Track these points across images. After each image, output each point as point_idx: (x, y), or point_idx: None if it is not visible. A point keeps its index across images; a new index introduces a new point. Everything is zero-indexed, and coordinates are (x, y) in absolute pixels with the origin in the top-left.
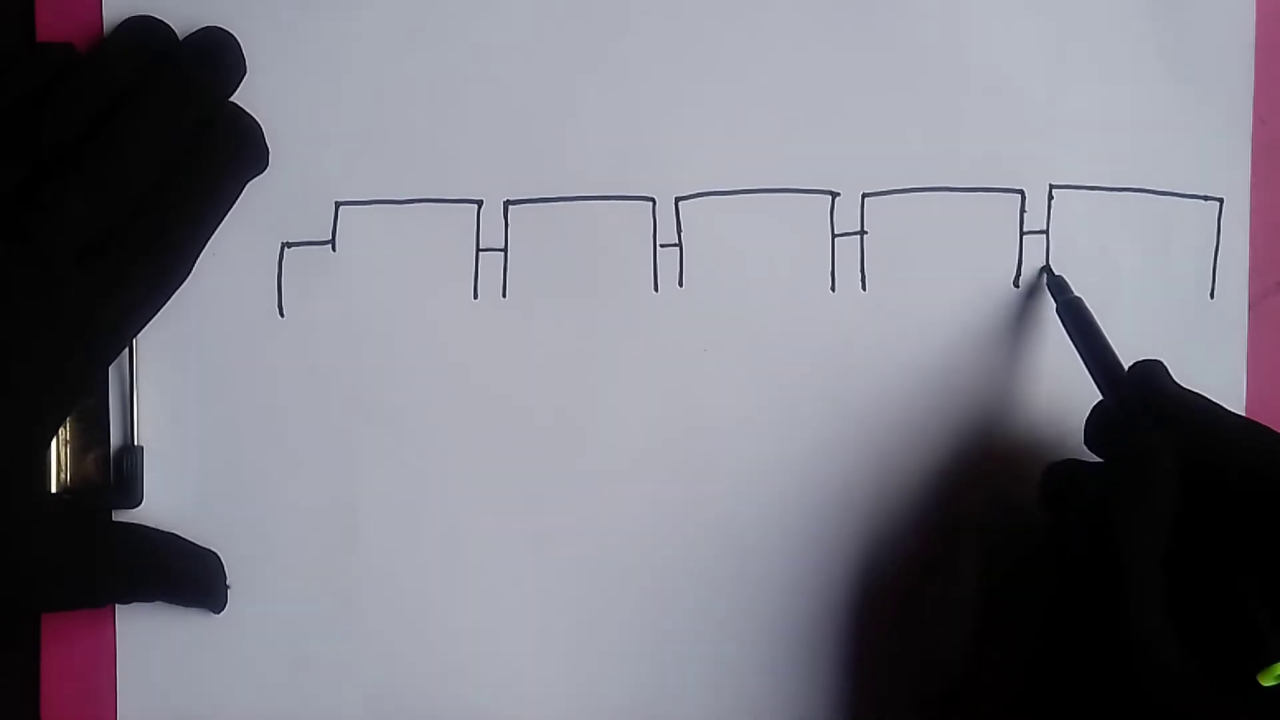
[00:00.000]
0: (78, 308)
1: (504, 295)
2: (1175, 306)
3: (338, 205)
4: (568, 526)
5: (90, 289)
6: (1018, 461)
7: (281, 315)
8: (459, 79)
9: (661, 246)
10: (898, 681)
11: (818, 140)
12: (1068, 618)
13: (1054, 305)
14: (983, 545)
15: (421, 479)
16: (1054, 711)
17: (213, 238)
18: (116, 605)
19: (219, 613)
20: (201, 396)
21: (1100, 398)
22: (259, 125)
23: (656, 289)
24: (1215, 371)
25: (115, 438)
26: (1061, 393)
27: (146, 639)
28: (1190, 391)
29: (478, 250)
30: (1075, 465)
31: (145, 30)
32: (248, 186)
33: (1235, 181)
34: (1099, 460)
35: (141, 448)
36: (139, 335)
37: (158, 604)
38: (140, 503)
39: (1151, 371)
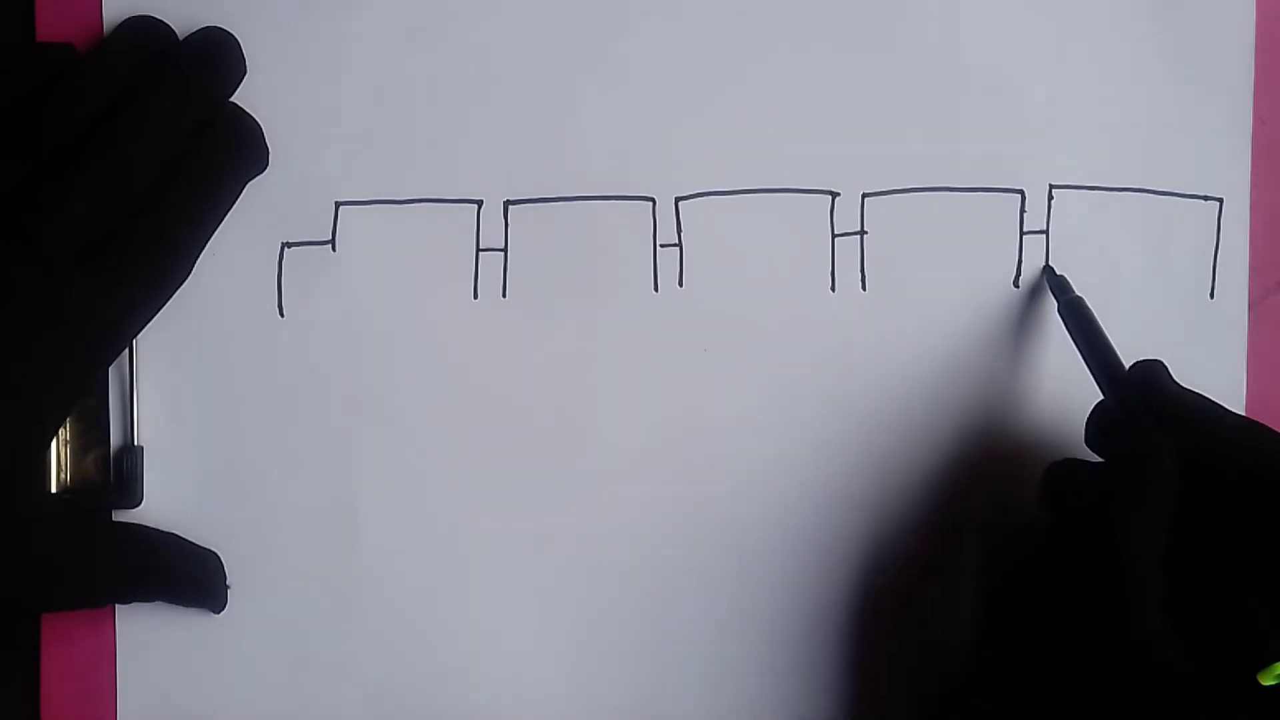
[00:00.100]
0: (78, 308)
1: (504, 295)
2: (1175, 306)
3: (338, 205)
4: (568, 526)
5: (90, 289)
6: (1018, 461)
7: (281, 315)
8: (459, 79)
9: (661, 246)
10: (898, 681)
11: (818, 140)
12: (1067, 617)
13: (1055, 305)
14: (983, 545)
15: (421, 479)
16: (1054, 711)
17: (213, 238)
18: (116, 605)
19: (219, 613)
20: (201, 396)
21: (1101, 397)
22: (259, 125)
23: (656, 289)
24: (1215, 371)
25: (115, 438)
26: (1062, 392)
27: (146, 639)
28: (1191, 391)
29: (478, 250)
30: (1076, 465)
31: (145, 30)
32: (248, 186)
33: (1235, 181)
34: (1100, 460)
35: (141, 448)
36: (139, 335)
37: (158, 604)
38: (140, 503)
39: (1152, 371)
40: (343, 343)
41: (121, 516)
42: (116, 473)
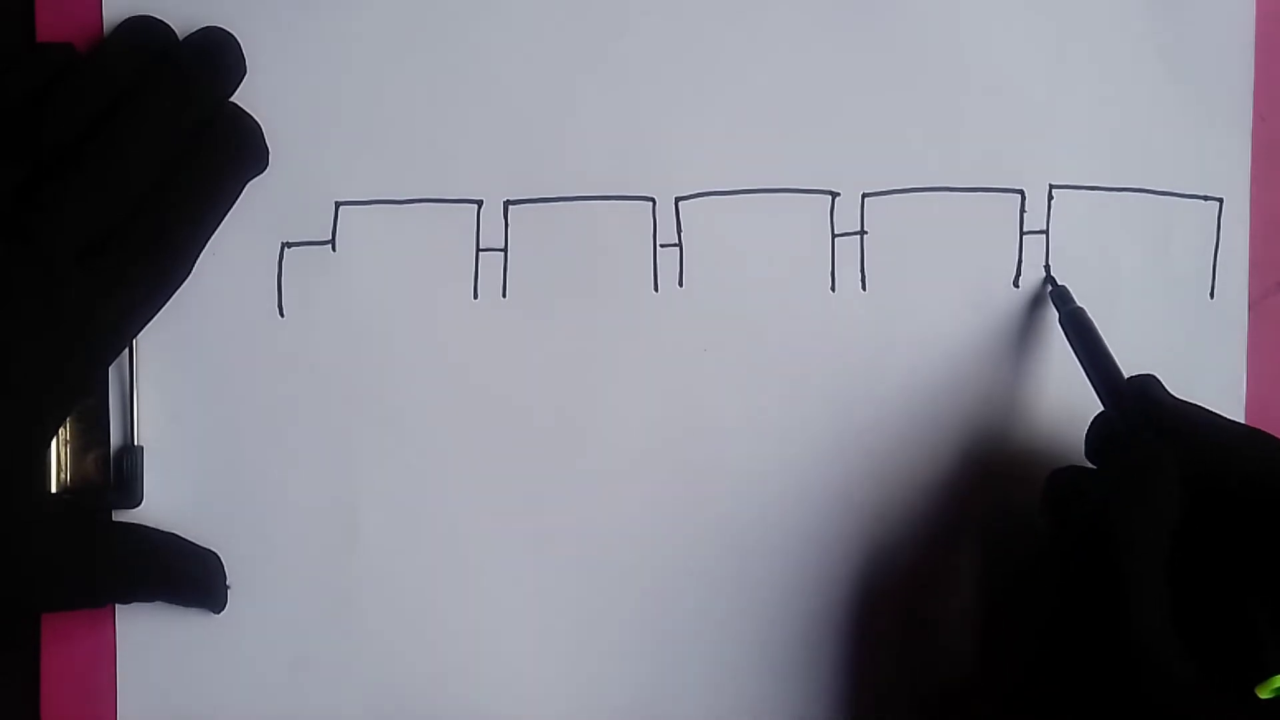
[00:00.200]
0: (78, 308)
1: (504, 295)
2: (1175, 306)
3: (338, 205)
4: (568, 526)
5: (90, 289)
6: (1018, 459)
7: (281, 315)
8: (459, 79)
9: (661, 246)
10: (898, 682)
11: (818, 140)
12: (1068, 622)
13: (1056, 304)
14: (983, 545)
15: (421, 479)
16: (1054, 715)
17: (213, 238)
18: (116, 605)
19: (219, 613)
20: (201, 396)
21: (1101, 408)
22: (259, 125)
23: (656, 289)
24: (1215, 371)
25: (115, 438)
26: (1062, 391)
27: (146, 639)
28: (1189, 403)
29: (478, 250)
30: (1078, 473)
31: (145, 30)
32: (248, 186)
33: (1235, 181)
34: (1101, 469)
35: (141, 448)
36: (139, 335)
37: (158, 604)
38: (140, 503)
39: (1149, 384)
40: (343, 343)
41: (121, 516)
42: (116, 473)
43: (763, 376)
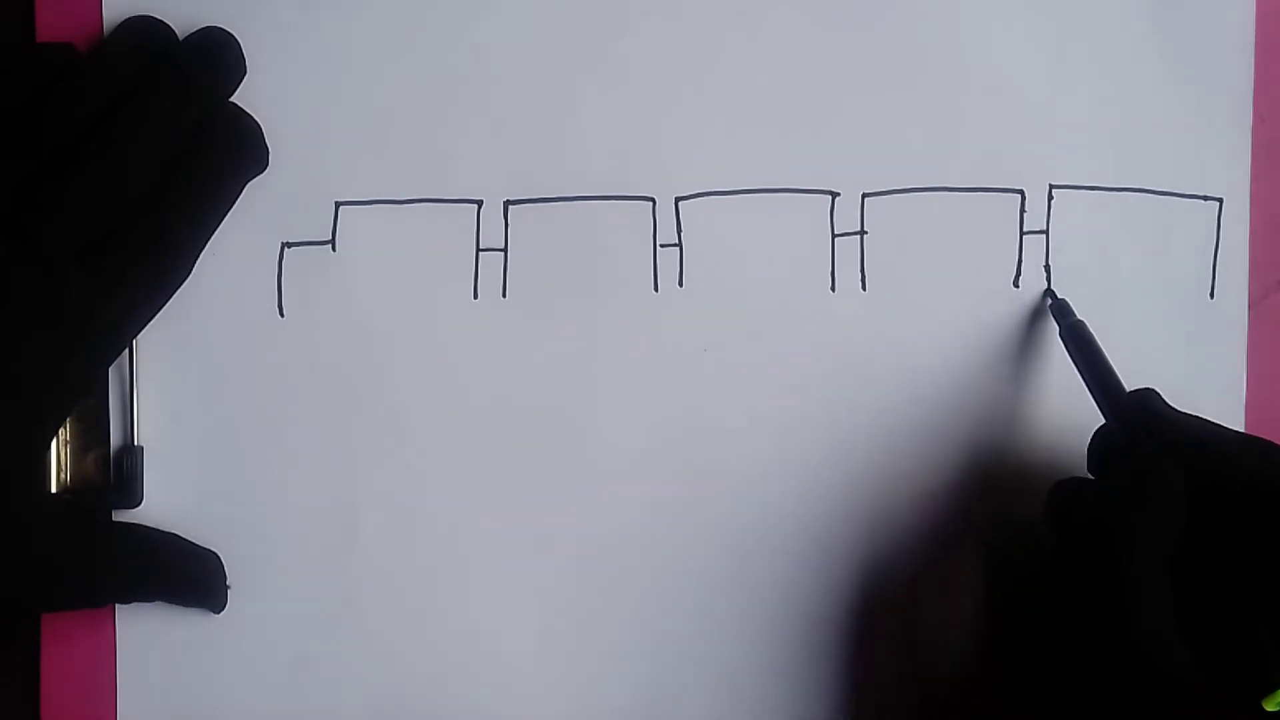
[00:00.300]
0: (78, 308)
1: (504, 295)
2: (1175, 306)
3: (338, 205)
4: (568, 526)
5: (90, 289)
6: (1018, 459)
7: (281, 315)
8: (459, 79)
9: (661, 246)
10: (898, 683)
11: (818, 140)
12: (1070, 630)
13: (1057, 317)
14: (983, 547)
15: (421, 479)
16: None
17: (213, 238)
18: (116, 605)
19: (219, 613)
20: (201, 396)
21: (1102, 421)
22: (259, 125)
23: (656, 289)
24: (1215, 371)
25: (115, 438)
26: (1061, 391)
27: (146, 639)
28: (1190, 415)
29: (478, 250)
30: (1081, 484)
31: (145, 30)
32: (248, 186)
33: (1235, 181)
34: (1100, 478)
35: (141, 448)
36: (139, 335)
37: (158, 604)
38: (140, 503)
39: (1149, 397)
40: (343, 343)
41: (121, 516)
42: (116, 473)
43: (763, 376)
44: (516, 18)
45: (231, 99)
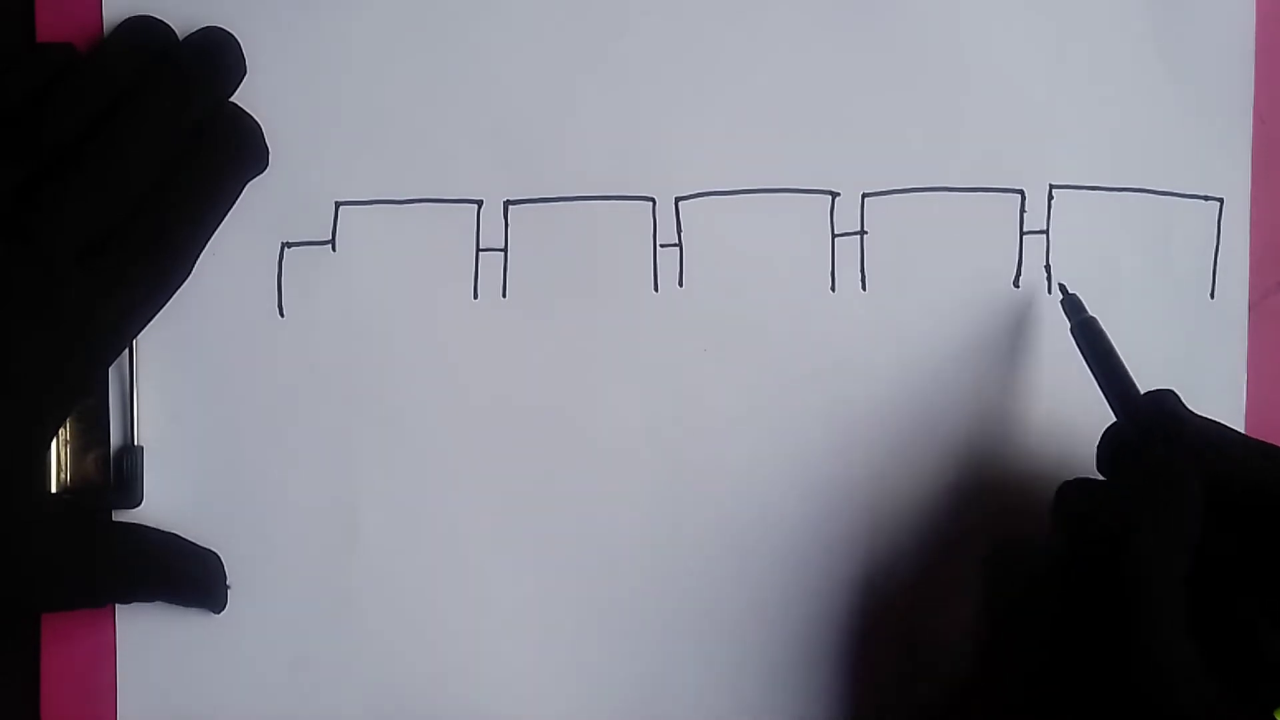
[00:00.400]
0: (78, 308)
1: (504, 295)
2: (1175, 306)
3: (338, 205)
4: (568, 526)
5: (90, 289)
6: (1018, 459)
7: (281, 315)
8: (459, 79)
9: (661, 246)
10: (898, 683)
11: (818, 140)
12: (1076, 634)
13: (1055, 305)
14: (984, 547)
15: (421, 479)
16: None
17: (213, 238)
18: (116, 605)
19: (219, 613)
20: (201, 396)
21: (1112, 419)
22: (259, 125)
23: (656, 289)
24: (1215, 371)
25: (115, 438)
26: (1062, 391)
27: (146, 639)
28: (1208, 419)
29: (478, 250)
30: (1091, 486)
31: (145, 30)
32: (248, 186)
33: (1235, 181)
34: (1111, 479)
35: (141, 448)
36: (139, 335)
37: (158, 604)
38: (140, 503)
39: (1167, 398)
40: (343, 343)
41: (121, 516)
42: (116, 473)
43: (763, 376)
44: (516, 18)
45: (231, 99)
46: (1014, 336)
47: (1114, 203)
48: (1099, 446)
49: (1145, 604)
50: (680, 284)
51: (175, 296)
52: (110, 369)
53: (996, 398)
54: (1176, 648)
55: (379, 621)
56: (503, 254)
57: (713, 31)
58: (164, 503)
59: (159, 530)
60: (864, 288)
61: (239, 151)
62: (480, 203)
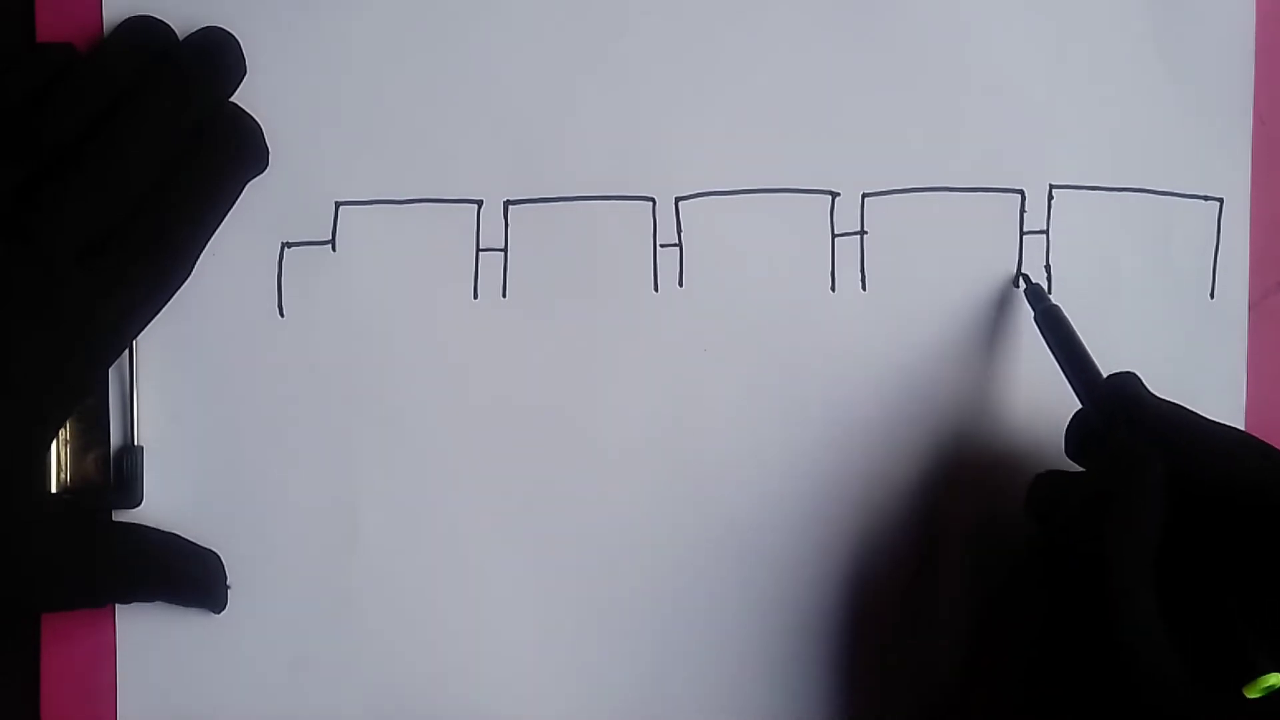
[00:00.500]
0: (78, 308)
1: (504, 295)
2: (1175, 306)
3: (338, 205)
4: (568, 526)
5: (90, 289)
6: (1020, 459)
7: (281, 315)
8: (459, 79)
9: (661, 246)
10: (897, 682)
11: (818, 140)
12: (1061, 627)
13: (1031, 302)
14: (985, 546)
15: (421, 479)
16: (1051, 717)
17: (213, 238)
18: (116, 605)
19: (219, 613)
20: (201, 396)
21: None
22: (259, 125)
23: (656, 289)
24: (1215, 371)
25: (115, 438)
26: (1063, 390)
27: (146, 639)
28: (1169, 402)
29: (478, 250)
30: (1062, 477)
31: (145, 30)
32: (248, 186)
33: (1235, 181)
34: (1083, 469)
35: (141, 448)
36: (139, 335)
37: (158, 604)
38: (140, 503)
39: (1128, 381)
40: (343, 343)
41: (121, 516)
42: (116, 473)
43: (762, 376)
44: (516, 18)
45: (231, 99)
46: (1014, 337)
47: (1114, 203)
48: (1066, 433)
49: (1113, 586)
50: (680, 284)
51: (175, 296)
52: (110, 369)
53: (997, 397)
54: (1146, 629)
55: (379, 621)
56: (503, 254)
57: (713, 31)
58: (164, 503)
59: (159, 530)
60: (864, 288)
61: (239, 151)
62: (480, 203)
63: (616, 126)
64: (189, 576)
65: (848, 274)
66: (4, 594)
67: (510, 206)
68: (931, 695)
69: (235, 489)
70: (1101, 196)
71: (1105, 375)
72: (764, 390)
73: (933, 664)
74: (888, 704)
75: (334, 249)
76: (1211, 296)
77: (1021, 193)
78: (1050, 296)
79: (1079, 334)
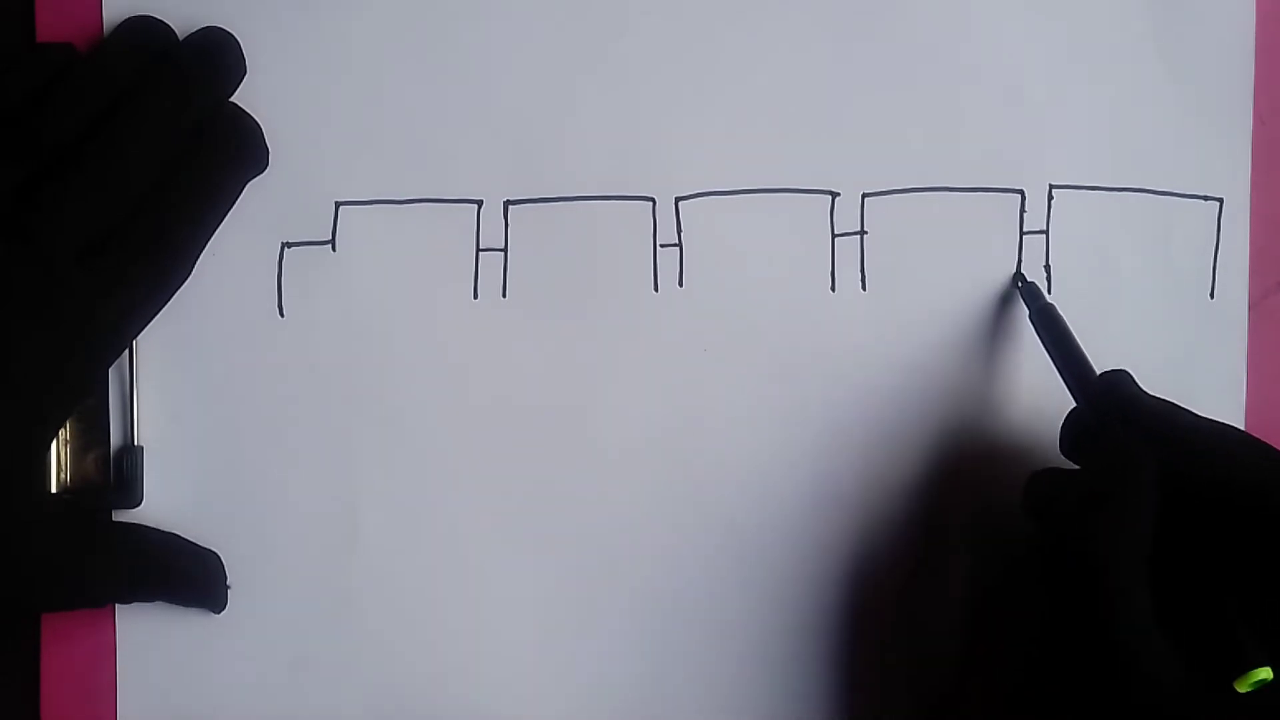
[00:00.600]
0: (78, 308)
1: (504, 295)
2: (1175, 306)
3: (338, 205)
4: (568, 526)
5: (90, 289)
6: (1020, 461)
7: (281, 315)
8: (459, 79)
9: (661, 246)
10: (896, 682)
11: (818, 140)
12: (1058, 624)
13: (1027, 301)
14: (985, 546)
15: (421, 479)
16: (1048, 715)
17: (213, 238)
18: (116, 605)
19: (219, 613)
20: (201, 396)
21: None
22: (259, 125)
23: (656, 289)
24: (1215, 371)
25: (115, 438)
26: (1062, 390)
27: (146, 639)
28: (1161, 399)
29: (478, 250)
30: (1057, 474)
31: (145, 30)
32: (248, 186)
33: (1235, 181)
34: (1078, 468)
35: (141, 448)
36: (139, 335)
37: (158, 604)
38: (140, 503)
39: (1121, 380)
40: (343, 343)
41: (121, 516)
42: (116, 473)
43: (762, 376)
44: (516, 18)
45: (231, 99)
46: (1014, 337)
47: (1114, 203)
48: (1061, 431)
49: (1108, 584)
50: (680, 284)
51: (175, 296)
52: (110, 369)
53: (996, 396)
54: (1142, 626)
55: (379, 621)
56: (503, 254)
57: (713, 31)
58: (164, 503)
59: (159, 530)
60: (864, 288)
61: (239, 151)
62: (480, 203)
63: (616, 126)
64: (189, 576)
65: (848, 274)
66: (4, 594)
67: (510, 206)
68: (930, 694)
69: (235, 489)
70: (1101, 196)
71: (1099, 373)
72: (764, 390)
73: (932, 662)
74: (887, 703)
75: (334, 249)
76: (1211, 296)
77: (1021, 193)
78: (1046, 295)
79: (1074, 333)
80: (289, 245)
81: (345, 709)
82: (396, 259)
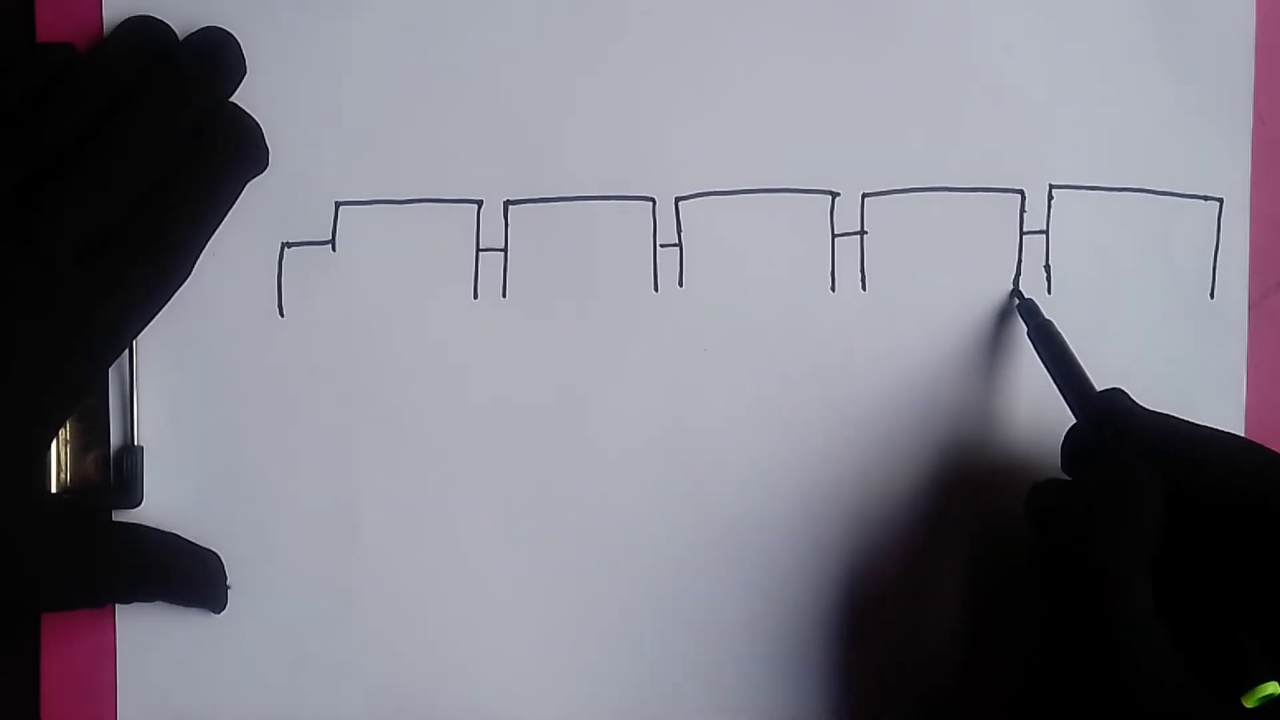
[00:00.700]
0: (78, 308)
1: (504, 295)
2: (1175, 306)
3: (338, 205)
4: (568, 526)
5: (90, 289)
6: (1018, 461)
7: (281, 315)
8: (459, 79)
9: (661, 246)
10: (896, 682)
11: (818, 140)
12: (1060, 632)
13: (1057, 307)
14: (984, 547)
15: (421, 479)
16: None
17: (213, 238)
18: (116, 605)
19: (219, 613)
20: (201, 396)
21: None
22: (259, 125)
23: (656, 289)
24: (1215, 371)
25: (115, 438)
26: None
27: (146, 639)
28: (1159, 413)
29: (478, 250)
30: (1060, 485)
31: (145, 30)
32: (248, 186)
33: (1235, 181)
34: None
35: (141, 448)
36: (139, 335)
37: (158, 604)
38: (140, 503)
39: (1117, 396)
40: (343, 343)
41: (121, 516)
42: (116, 473)
43: (762, 376)
44: (516, 18)
45: (231, 99)
46: (1014, 337)
47: (1114, 203)
48: (1062, 447)
49: (1105, 580)
50: (680, 284)
51: (175, 296)
52: (110, 369)
53: (997, 396)
54: (1140, 624)
55: (379, 621)
56: (503, 254)
57: (713, 31)
58: (164, 503)
59: (159, 530)
60: (864, 288)
61: (239, 151)
62: (480, 203)
63: (616, 126)
64: (189, 576)
65: (848, 274)
66: (4, 594)
67: (510, 206)
68: (931, 696)
69: (235, 489)
70: (1101, 196)
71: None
72: (764, 390)
73: (932, 665)
74: (888, 704)
75: (334, 249)
76: (1211, 296)
77: (1021, 193)
78: (1044, 312)
79: (1072, 349)
80: (289, 245)
81: (345, 709)
82: (396, 259)
